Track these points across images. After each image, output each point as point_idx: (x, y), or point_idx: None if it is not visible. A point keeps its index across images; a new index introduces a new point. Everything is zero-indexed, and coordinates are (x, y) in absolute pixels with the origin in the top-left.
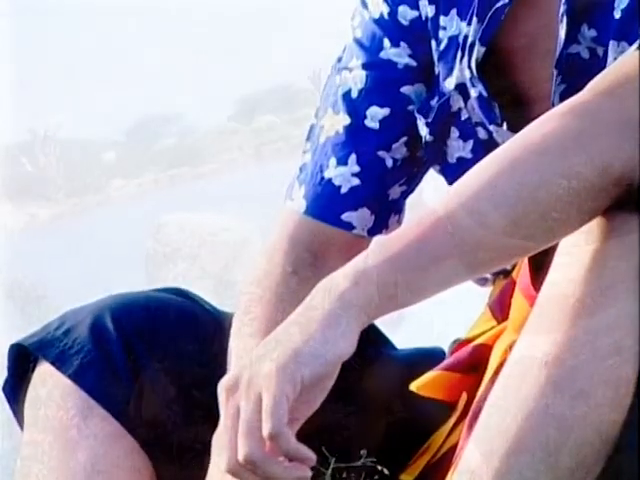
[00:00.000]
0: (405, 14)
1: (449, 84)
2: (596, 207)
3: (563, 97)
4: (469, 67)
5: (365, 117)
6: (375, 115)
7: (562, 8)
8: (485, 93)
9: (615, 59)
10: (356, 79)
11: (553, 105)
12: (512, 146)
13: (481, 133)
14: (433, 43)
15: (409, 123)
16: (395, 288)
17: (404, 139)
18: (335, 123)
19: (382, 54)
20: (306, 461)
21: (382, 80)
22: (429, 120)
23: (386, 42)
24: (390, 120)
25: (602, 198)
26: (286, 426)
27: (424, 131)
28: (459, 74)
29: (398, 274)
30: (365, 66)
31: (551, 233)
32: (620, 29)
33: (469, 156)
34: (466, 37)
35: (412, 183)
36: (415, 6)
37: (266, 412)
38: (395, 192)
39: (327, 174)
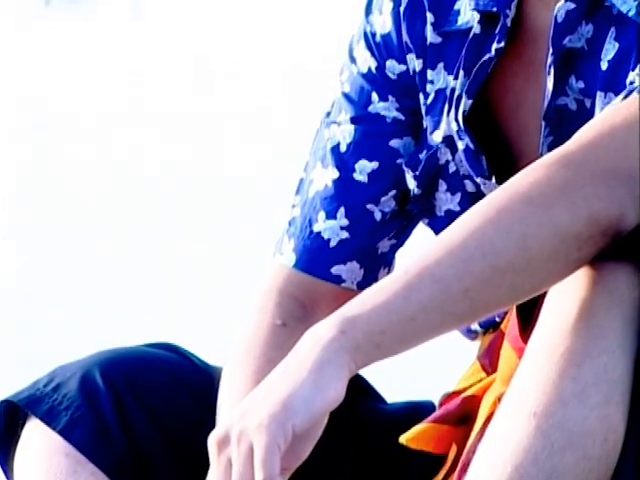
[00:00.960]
0: (393, 68)
1: (436, 137)
2: (583, 257)
3: (551, 149)
4: (456, 120)
5: (354, 171)
6: (364, 169)
7: (549, 59)
8: (472, 146)
9: (602, 110)
10: (345, 133)
11: (541, 157)
12: (498, 195)
13: (469, 186)
14: (421, 96)
15: (398, 176)
16: (382, 336)
17: (393, 192)
18: (324, 177)
19: (370, 108)
20: None
21: (371, 134)
22: (417, 173)
23: (374, 96)
24: (379, 173)
25: (589, 248)
26: (278, 477)
27: (412, 184)
28: (446, 127)
29: (385, 322)
30: (354, 120)
31: (538, 282)
32: (607, 80)
33: (457, 209)
34: (453, 90)
35: (401, 237)
36: (403, 60)
37: (258, 464)
38: (384, 245)
39: (316, 228)
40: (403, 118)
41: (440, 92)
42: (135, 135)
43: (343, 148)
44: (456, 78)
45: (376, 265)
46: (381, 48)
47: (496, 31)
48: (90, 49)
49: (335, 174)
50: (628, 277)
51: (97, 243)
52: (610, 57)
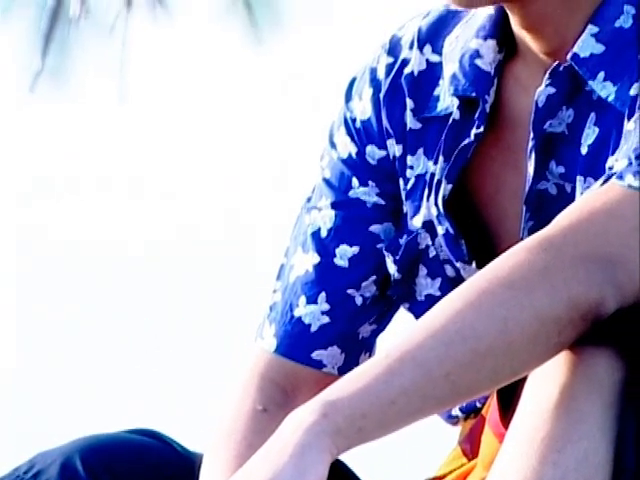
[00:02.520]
0: (373, 154)
1: (417, 222)
2: (563, 341)
3: (532, 233)
4: (436, 204)
5: (335, 256)
6: (345, 254)
7: (530, 144)
8: (452, 231)
9: (582, 194)
10: (325, 218)
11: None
12: (479, 279)
13: (449, 271)
14: (401, 182)
15: (378, 261)
16: (364, 420)
17: (373, 277)
18: (305, 262)
19: (351, 193)
20: None
21: (351, 219)
22: (397, 258)
23: (355, 181)
24: (359, 258)
25: (569, 332)
26: None
27: (392, 269)
28: (426, 212)
29: (367, 406)
30: (334, 205)
31: (519, 366)
32: (587, 164)
33: (438, 294)
34: (433, 175)
35: (382, 322)
36: (383, 146)
37: None
38: (365, 330)
39: (297, 312)
40: (383, 203)
41: (420, 177)
42: (121, 215)
43: (324, 233)
44: (436, 163)
45: (357, 350)
46: (361, 134)
47: (475, 116)
48: (76, 134)
49: (316, 259)
50: (608, 361)
51: (79, 327)
52: (590, 142)
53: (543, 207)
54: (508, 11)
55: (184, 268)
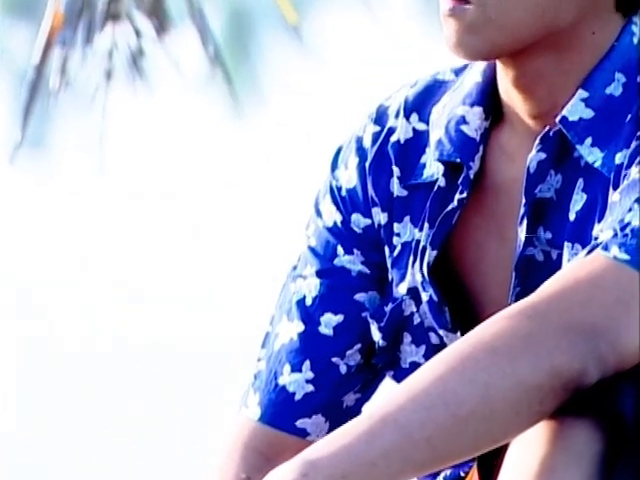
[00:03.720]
0: (358, 222)
1: (402, 289)
2: (544, 409)
3: (518, 300)
4: (421, 271)
5: (319, 324)
6: (329, 322)
7: (522, 210)
8: (436, 297)
9: (569, 261)
10: (310, 287)
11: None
12: (463, 344)
13: (433, 338)
14: (386, 249)
15: (363, 330)
16: None
17: (358, 346)
18: (290, 330)
19: (336, 261)
20: None
21: (336, 287)
22: (382, 325)
23: (340, 249)
24: (344, 327)
25: (550, 401)
26: None
27: (377, 336)
28: (411, 278)
29: (346, 466)
30: (319, 273)
31: (500, 433)
32: (574, 231)
33: (422, 361)
34: (418, 242)
35: (367, 391)
36: (368, 214)
37: None
38: (350, 399)
39: (281, 381)
40: (368, 272)
41: (406, 245)
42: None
43: (309, 301)
44: (421, 230)
45: (342, 419)
46: (346, 202)
47: (459, 181)
48: (55, 206)
49: (300, 327)
50: (587, 432)
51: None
52: (578, 208)
53: (530, 274)
54: (503, 70)
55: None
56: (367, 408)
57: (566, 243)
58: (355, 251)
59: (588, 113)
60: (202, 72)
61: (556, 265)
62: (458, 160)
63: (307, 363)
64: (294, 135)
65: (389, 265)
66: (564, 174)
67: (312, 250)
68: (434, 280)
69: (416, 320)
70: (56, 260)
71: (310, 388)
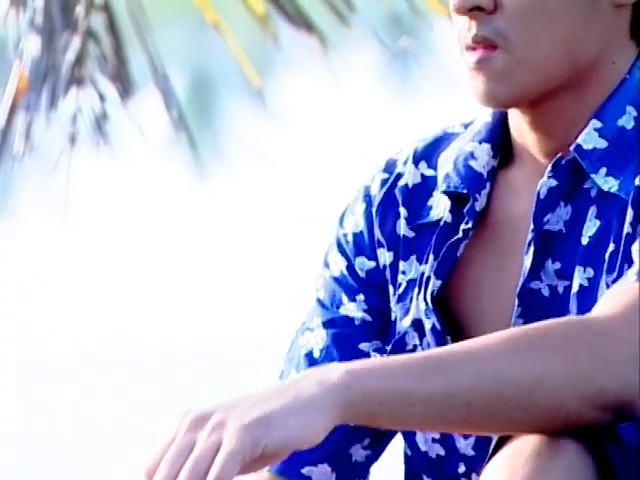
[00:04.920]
0: (362, 265)
1: (405, 322)
2: (577, 421)
3: None
4: (425, 299)
5: None
6: None
7: (530, 236)
8: (439, 326)
9: (580, 285)
10: (317, 338)
11: None
12: (534, 331)
13: None
14: (391, 288)
15: None
16: (379, 407)
17: None
18: None
19: (341, 310)
20: None
21: (341, 337)
22: (379, 351)
23: (344, 298)
24: None
25: (587, 416)
26: None
27: None
28: (415, 310)
29: (388, 398)
30: (325, 324)
31: (529, 425)
32: (587, 255)
33: None
34: (423, 274)
35: (376, 448)
36: (373, 257)
37: (217, 464)
38: (359, 454)
39: None
40: (371, 319)
41: (411, 281)
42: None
43: (316, 354)
44: (426, 262)
45: (350, 473)
46: (351, 246)
47: (464, 211)
48: (19, 270)
49: None
50: (581, 454)
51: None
52: (591, 233)
53: (534, 308)
54: (520, 114)
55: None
56: (375, 470)
57: (577, 267)
58: (358, 297)
59: (602, 143)
60: (166, 136)
61: (562, 300)
62: (465, 191)
63: None
64: (257, 198)
65: (393, 303)
66: (574, 205)
67: (319, 302)
68: (438, 310)
69: (418, 352)
70: (18, 330)
71: None
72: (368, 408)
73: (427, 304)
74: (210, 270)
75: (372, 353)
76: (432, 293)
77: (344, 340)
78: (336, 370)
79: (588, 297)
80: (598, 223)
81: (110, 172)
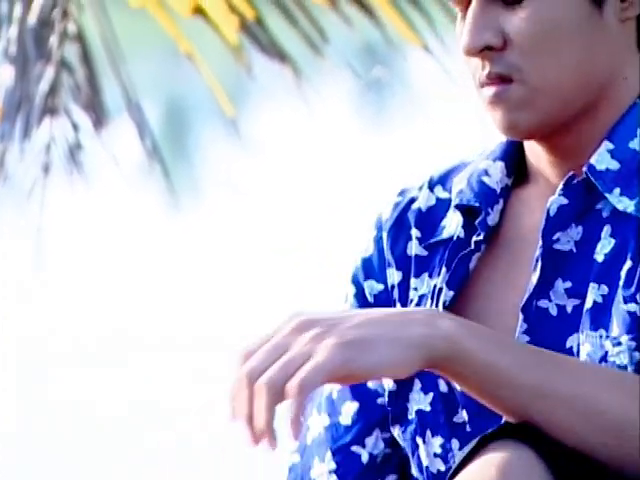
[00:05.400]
0: (371, 289)
1: None
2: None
3: None
4: (436, 308)
5: (340, 414)
6: (348, 411)
7: (538, 252)
8: None
9: (594, 302)
10: None
11: None
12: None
13: (442, 386)
14: (398, 307)
15: (381, 417)
16: (470, 374)
17: (378, 433)
18: (318, 423)
19: None
20: (271, 442)
21: None
22: None
23: None
24: (360, 413)
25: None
26: (301, 395)
27: (389, 380)
28: None
29: (483, 370)
30: None
31: (601, 453)
32: (602, 272)
33: (428, 409)
34: (435, 286)
35: None
36: (382, 279)
37: (305, 370)
38: None
39: (312, 474)
40: None
41: (423, 296)
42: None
43: (334, 395)
44: (438, 275)
45: None
46: (361, 271)
47: (476, 223)
48: None
49: (326, 420)
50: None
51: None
52: (607, 251)
53: (541, 326)
54: (538, 144)
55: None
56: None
57: (592, 284)
58: None
59: (614, 165)
60: (139, 165)
61: (571, 319)
62: (477, 205)
63: (329, 454)
64: (231, 228)
65: None
66: (585, 226)
67: None
68: None
69: None
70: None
71: (333, 479)
72: (461, 369)
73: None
74: (184, 300)
75: (377, 389)
76: (444, 303)
77: None
78: (447, 321)
79: (602, 313)
80: (613, 241)
81: (84, 201)
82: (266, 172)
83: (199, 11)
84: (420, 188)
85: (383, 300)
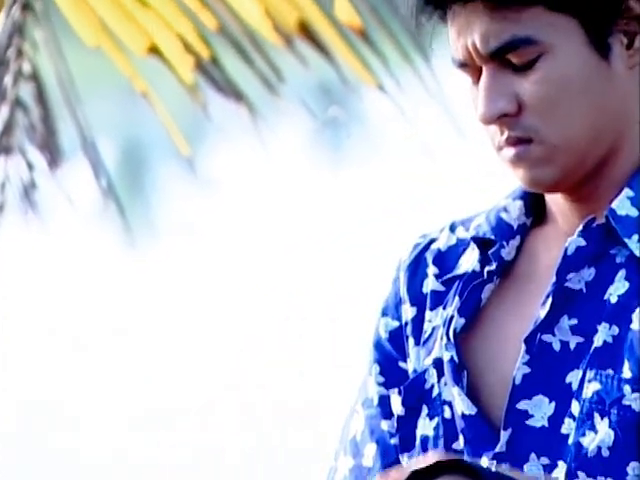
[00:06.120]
0: (386, 325)
1: (427, 361)
2: None
3: (524, 379)
4: (447, 334)
5: (363, 456)
6: (369, 452)
7: (550, 288)
8: (456, 359)
9: (605, 342)
10: (360, 420)
11: (514, 381)
12: None
13: (447, 412)
14: (411, 340)
15: (397, 457)
16: None
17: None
18: (344, 465)
19: (369, 386)
20: None
21: (370, 416)
22: (401, 388)
23: (370, 378)
24: (378, 454)
25: None
26: None
27: (397, 404)
28: (438, 349)
29: None
30: (363, 405)
31: None
32: (614, 313)
33: (432, 434)
34: (448, 314)
35: None
36: (396, 316)
37: None
38: None
39: None
40: (386, 393)
41: (436, 327)
42: None
43: (358, 437)
44: (451, 305)
45: None
46: (379, 313)
47: (489, 253)
48: None
49: (350, 462)
50: None
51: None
52: (620, 293)
53: (542, 359)
54: (560, 193)
55: None
56: None
57: (603, 324)
58: (374, 369)
59: (634, 212)
60: (95, 205)
61: (572, 355)
62: (492, 237)
63: None
64: (188, 267)
65: (413, 352)
66: (598, 268)
67: (364, 382)
68: (458, 346)
69: (435, 392)
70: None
71: None
72: None
73: (449, 339)
74: (140, 340)
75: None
76: (454, 330)
77: (372, 419)
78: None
79: (612, 353)
80: (627, 285)
81: (38, 241)
82: (222, 211)
83: (154, 50)
84: (442, 230)
85: (396, 337)
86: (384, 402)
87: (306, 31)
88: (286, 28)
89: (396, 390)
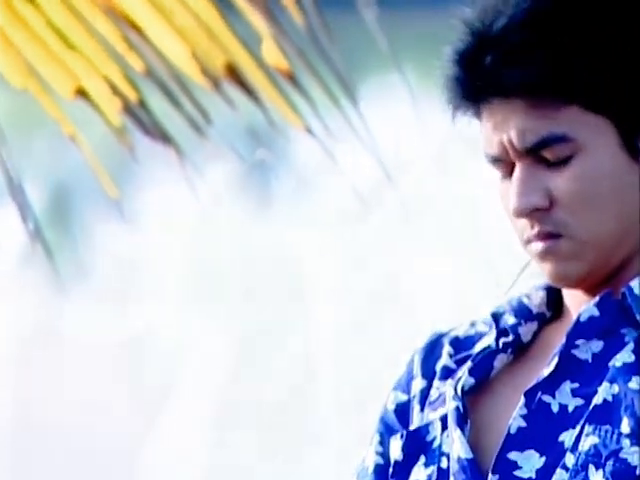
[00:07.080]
0: (395, 398)
1: (432, 415)
2: None
3: (519, 431)
4: (455, 388)
5: None
6: None
7: (557, 349)
8: (462, 408)
9: (604, 400)
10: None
11: (509, 430)
12: None
13: (443, 462)
14: (416, 407)
15: None
16: None
17: None
18: None
19: (366, 459)
20: None
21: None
22: (403, 433)
23: (376, 438)
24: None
25: None
26: None
27: (396, 450)
28: (445, 408)
29: None
30: (358, 476)
31: None
32: (617, 375)
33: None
34: (458, 378)
35: None
36: (406, 391)
37: None
38: None
39: None
40: (382, 463)
41: (442, 393)
42: None
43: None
44: (462, 371)
45: None
46: (390, 389)
47: (507, 326)
48: None
49: None
50: None
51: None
52: (625, 360)
53: (539, 417)
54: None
55: None
56: None
57: (605, 383)
58: (375, 439)
59: None
60: (22, 248)
61: (569, 417)
62: (511, 314)
63: None
64: (117, 310)
65: (417, 418)
66: (606, 342)
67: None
68: (464, 399)
69: (435, 443)
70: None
71: None
72: None
73: (456, 392)
74: (71, 385)
75: None
76: (463, 387)
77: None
78: None
79: (611, 411)
80: (634, 357)
81: None
82: (150, 252)
83: (82, 93)
84: (462, 324)
85: (403, 410)
86: (379, 471)
87: (234, 74)
88: (214, 71)
89: (398, 435)
